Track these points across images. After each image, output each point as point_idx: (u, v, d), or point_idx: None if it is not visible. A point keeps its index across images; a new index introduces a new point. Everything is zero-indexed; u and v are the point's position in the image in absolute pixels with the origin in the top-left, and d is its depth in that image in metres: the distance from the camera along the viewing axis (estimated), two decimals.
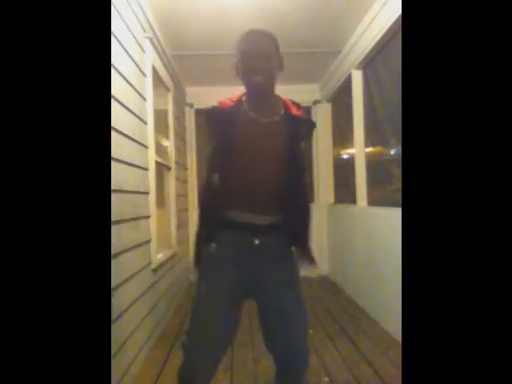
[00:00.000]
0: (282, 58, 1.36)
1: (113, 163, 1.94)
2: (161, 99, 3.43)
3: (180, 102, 4.33)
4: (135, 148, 2.41)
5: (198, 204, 1.40)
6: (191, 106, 4.76)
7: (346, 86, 3.80)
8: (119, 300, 1.99)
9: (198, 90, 4.62)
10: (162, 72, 3.31)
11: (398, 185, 2.93)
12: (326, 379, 2.13)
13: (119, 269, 2.01)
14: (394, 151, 3.07)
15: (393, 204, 2.86)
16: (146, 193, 2.64)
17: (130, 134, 2.26)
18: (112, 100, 1.97)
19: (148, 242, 2.63)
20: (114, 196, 1.93)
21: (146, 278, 2.58)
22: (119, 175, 2.06)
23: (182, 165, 4.30)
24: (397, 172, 2.97)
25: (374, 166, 3.48)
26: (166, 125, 3.65)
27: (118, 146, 2.06)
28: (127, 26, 2.32)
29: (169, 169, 3.57)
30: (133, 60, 2.42)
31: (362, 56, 3.24)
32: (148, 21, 2.78)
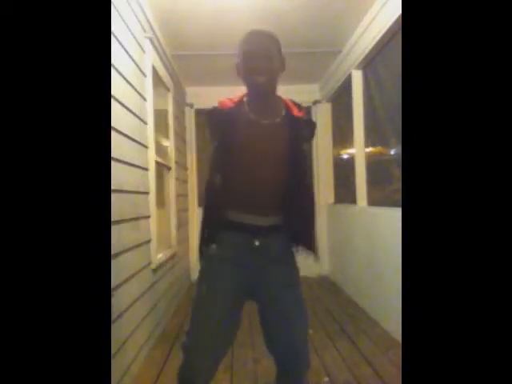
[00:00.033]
0: (284, 59, 1.36)
1: (113, 163, 1.94)
2: (161, 99, 3.43)
3: (180, 102, 4.33)
4: (135, 148, 2.41)
5: (203, 204, 1.40)
6: (191, 105, 4.76)
7: (346, 86, 3.81)
8: (119, 300, 1.99)
9: (198, 89, 4.62)
10: (162, 72, 3.31)
11: (398, 185, 2.93)
12: (326, 379, 2.13)
13: (119, 269, 2.01)
14: (394, 151, 3.07)
15: (393, 204, 2.86)
16: (146, 193, 2.64)
17: (130, 134, 2.26)
18: (112, 100, 1.97)
19: (148, 241, 2.63)
20: (113, 196, 1.93)
21: (146, 278, 2.58)
22: (119, 175, 2.06)
23: (182, 165, 4.30)
24: (397, 172, 2.97)
25: (374, 166, 3.48)
26: (166, 125, 3.65)
27: (118, 146, 2.06)
28: (127, 26, 2.32)
29: (169, 169, 3.57)
30: (133, 60, 2.42)
31: (362, 56, 3.24)
32: (148, 21, 2.78)
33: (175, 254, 3.61)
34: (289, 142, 1.34)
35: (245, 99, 1.37)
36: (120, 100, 2.11)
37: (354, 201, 3.62)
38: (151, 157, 2.74)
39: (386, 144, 3.27)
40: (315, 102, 4.76)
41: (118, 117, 2.08)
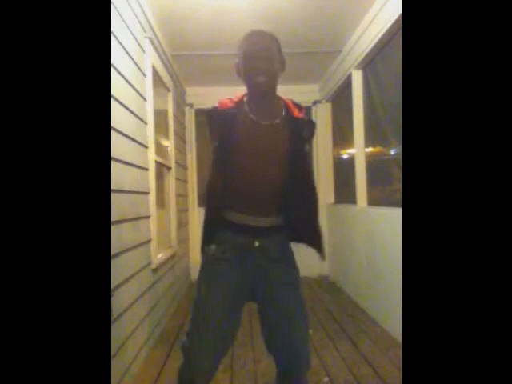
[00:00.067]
0: (284, 59, 1.35)
1: (113, 163, 1.94)
2: (161, 99, 3.43)
3: (180, 102, 4.33)
4: (135, 148, 2.41)
5: (204, 205, 1.41)
6: (191, 105, 4.76)
7: (346, 85, 3.80)
8: (119, 300, 1.99)
9: (198, 90, 4.62)
10: (162, 72, 3.31)
11: (398, 185, 2.93)
12: (326, 379, 2.13)
13: (119, 269, 2.01)
14: (394, 151, 3.07)
15: (393, 204, 2.86)
16: (146, 193, 2.64)
17: (130, 134, 2.26)
18: (112, 100, 1.97)
19: (148, 241, 2.63)
20: (114, 196, 1.93)
21: (146, 278, 2.58)
22: (119, 175, 2.06)
23: (181, 165, 4.30)
24: (397, 172, 2.97)
25: (374, 166, 3.48)
26: (166, 125, 3.65)
27: (118, 146, 2.06)
28: (127, 26, 2.32)
29: (169, 169, 3.57)
30: (133, 60, 2.42)
31: (362, 56, 3.24)
32: (148, 21, 2.78)
33: (175, 254, 3.61)
34: (289, 143, 1.33)
35: (245, 99, 1.36)
36: (120, 100, 2.11)
37: (353, 201, 3.62)
38: (151, 157, 2.74)
39: (386, 144, 3.27)
40: (315, 102, 4.76)
41: (118, 117, 2.08)
